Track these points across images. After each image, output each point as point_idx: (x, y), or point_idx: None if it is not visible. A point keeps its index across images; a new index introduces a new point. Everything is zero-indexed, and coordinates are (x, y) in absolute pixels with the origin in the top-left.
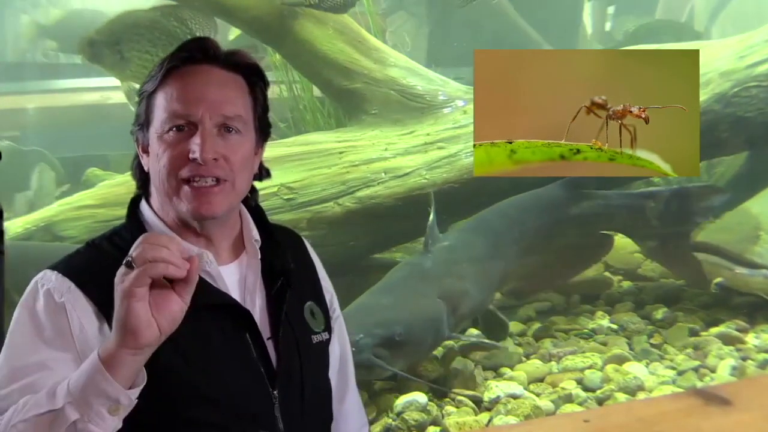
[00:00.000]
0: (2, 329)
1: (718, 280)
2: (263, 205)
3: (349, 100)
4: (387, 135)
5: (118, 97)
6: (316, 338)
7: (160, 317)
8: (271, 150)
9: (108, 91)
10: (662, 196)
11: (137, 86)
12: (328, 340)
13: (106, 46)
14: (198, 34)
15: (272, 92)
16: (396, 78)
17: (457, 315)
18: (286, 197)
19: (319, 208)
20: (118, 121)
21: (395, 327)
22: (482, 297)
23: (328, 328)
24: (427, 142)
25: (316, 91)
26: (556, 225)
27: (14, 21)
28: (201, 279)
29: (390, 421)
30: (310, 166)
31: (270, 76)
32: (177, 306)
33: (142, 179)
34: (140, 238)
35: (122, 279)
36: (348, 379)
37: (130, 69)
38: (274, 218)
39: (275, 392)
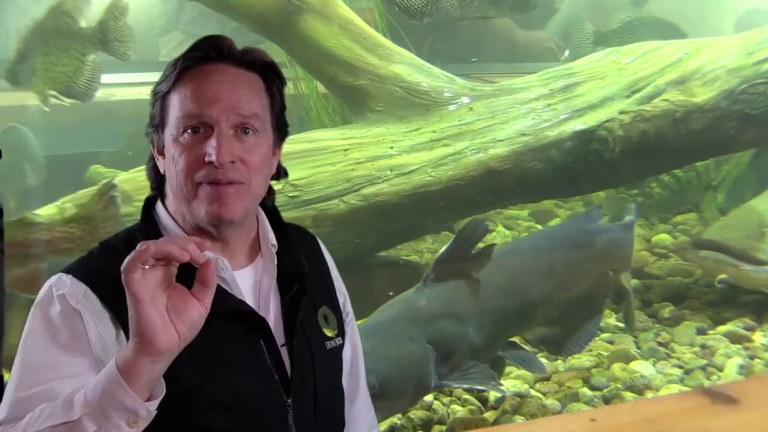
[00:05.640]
0: (2, 329)
1: (722, 276)
2: None
3: (353, 96)
4: (392, 132)
5: (122, 94)
6: (329, 344)
7: (178, 322)
8: None
9: (112, 87)
10: None
11: (51, 92)
12: (342, 345)
13: (19, 66)
14: (83, 23)
15: None
16: (401, 75)
17: (452, 361)
18: (290, 195)
19: (323, 205)
20: (122, 118)
21: (369, 378)
22: (486, 341)
23: (342, 333)
24: (433, 139)
25: (321, 88)
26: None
27: (17, 18)
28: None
29: (396, 419)
30: (315, 163)
31: None
32: (196, 311)
33: (157, 180)
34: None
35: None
36: (359, 381)
37: (40, 78)
38: None
39: (289, 400)
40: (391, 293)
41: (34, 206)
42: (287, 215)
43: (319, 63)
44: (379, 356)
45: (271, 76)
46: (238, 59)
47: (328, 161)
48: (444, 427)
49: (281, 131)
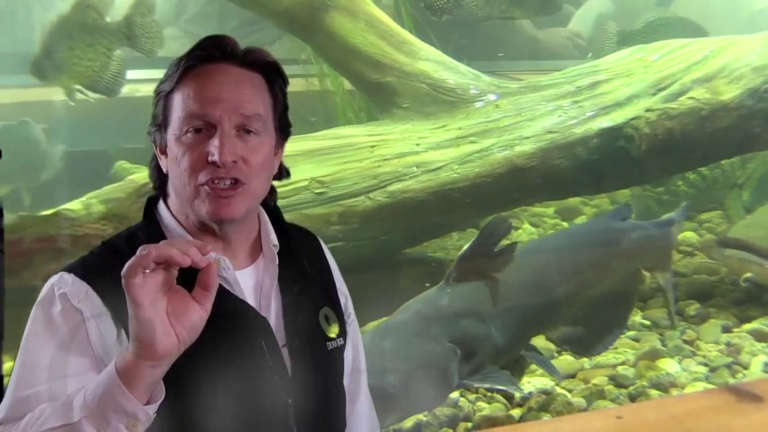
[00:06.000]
0: (2, 329)
1: (747, 275)
2: (294, 199)
3: (380, 93)
4: (418, 129)
5: (147, 90)
6: (331, 345)
7: (178, 326)
8: (302, 143)
9: (137, 83)
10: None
11: (77, 86)
12: (343, 346)
13: (44, 60)
14: (108, 19)
15: (303, 85)
16: (427, 71)
17: (474, 361)
18: (317, 191)
19: (350, 202)
20: (147, 114)
21: (389, 377)
22: (509, 341)
23: (343, 334)
24: (459, 136)
25: (347, 84)
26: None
27: (42, 12)
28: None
29: (421, 416)
30: (342, 159)
31: (300, 69)
32: (197, 314)
33: (160, 180)
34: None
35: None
36: (360, 382)
37: (66, 72)
38: (305, 212)
39: (290, 400)
40: (427, 284)
41: (52, 202)
42: (314, 212)
43: (346, 59)
44: (400, 355)
45: (273, 76)
46: (241, 59)
47: (355, 158)
48: (470, 424)
49: (284, 131)
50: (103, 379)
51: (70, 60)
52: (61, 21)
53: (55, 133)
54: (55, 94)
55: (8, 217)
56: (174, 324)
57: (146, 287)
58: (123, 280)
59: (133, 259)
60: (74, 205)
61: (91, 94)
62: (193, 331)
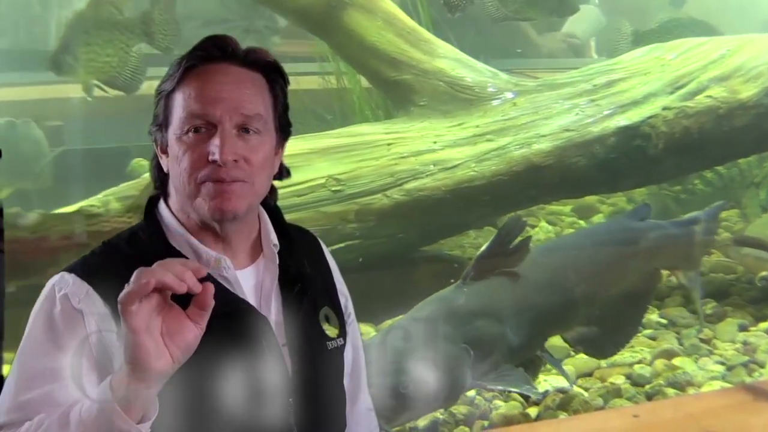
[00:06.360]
0: (2, 329)
1: (763, 273)
2: (311, 196)
3: (397, 91)
4: (436, 127)
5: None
6: (331, 344)
7: (173, 346)
8: (319, 141)
9: (154, 80)
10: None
11: (95, 82)
12: (343, 346)
13: (62, 55)
14: (127, 14)
15: (319, 83)
16: (445, 69)
17: (489, 362)
18: (334, 189)
19: (367, 200)
20: None
21: (402, 377)
22: (524, 341)
23: (343, 333)
24: (476, 134)
25: (364, 82)
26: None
27: (58, 10)
28: (218, 284)
29: (438, 414)
30: (359, 157)
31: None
32: (191, 333)
33: (160, 179)
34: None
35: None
36: (360, 382)
37: (84, 68)
38: (322, 210)
39: (290, 400)
40: (452, 280)
41: (66, 200)
42: (330, 210)
43: (363, 57)
44: (413, 355)
45: (273, 76)
46: (242, 59)
47: (372, 155)
48: (486, 423)
49: (284, 131)
50: (99, 397)
51: (88, 55)
52: (78, 16)
53: (72, 131)
54: (72, 91)
55: (31, 216)
56: (168, 344)
57: (141, 313)
58: (119, 306)
59: (130, 287)
60: (91, 202)
61: (110, 90)
62: (187, 350)
